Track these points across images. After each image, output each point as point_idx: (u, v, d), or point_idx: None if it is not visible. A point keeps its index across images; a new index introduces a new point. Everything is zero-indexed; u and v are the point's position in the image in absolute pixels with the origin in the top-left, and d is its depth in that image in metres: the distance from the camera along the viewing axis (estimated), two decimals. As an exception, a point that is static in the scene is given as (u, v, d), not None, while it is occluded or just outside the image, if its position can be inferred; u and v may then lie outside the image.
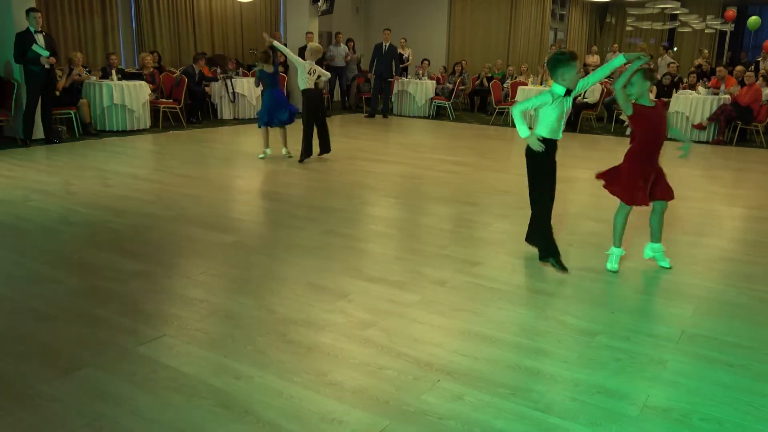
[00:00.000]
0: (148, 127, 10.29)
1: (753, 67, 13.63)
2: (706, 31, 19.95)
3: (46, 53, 8.11)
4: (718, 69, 12.29)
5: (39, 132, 8.68)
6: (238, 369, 2.77)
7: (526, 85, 12.76)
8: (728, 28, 18.74)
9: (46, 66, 8.19)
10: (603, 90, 12.19)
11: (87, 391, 2.56)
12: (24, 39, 8.04)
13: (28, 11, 8.08)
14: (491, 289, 3.80)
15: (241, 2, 14.13)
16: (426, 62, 14.39)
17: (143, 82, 10.21)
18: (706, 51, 17.08)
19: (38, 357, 2.83)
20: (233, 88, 11.77)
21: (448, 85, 13.84)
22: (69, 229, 4.84)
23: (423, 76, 13.90)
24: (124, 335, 3.06)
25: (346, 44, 14.38)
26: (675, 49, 18.84)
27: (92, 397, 2.52)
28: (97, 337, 3.03)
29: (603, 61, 16.70)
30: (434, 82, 14.00)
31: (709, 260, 4.59)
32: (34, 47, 8.04)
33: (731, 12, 17.66)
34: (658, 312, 3.56)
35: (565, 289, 3.83)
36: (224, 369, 2.77)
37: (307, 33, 12.71)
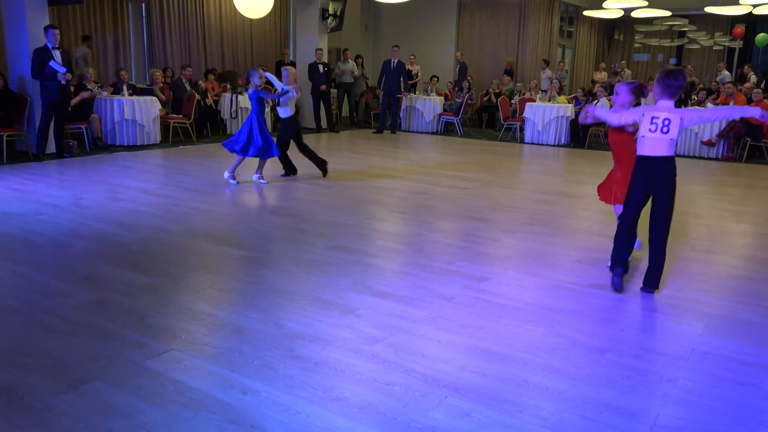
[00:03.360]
0: (158, 142, 10.38)
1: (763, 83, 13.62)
2: (715, 48, 19.96)
3: (63, 69, 8.22)
4: (726, 85, 12.28)
5: (51, 146, 8.78)
6: (245, 384, 2.77)
7: (534, 101, 12.79)
8: (736, 45, 18.75)
9: (63, 82, 8.30)
10: (612, 107, 12.18)
11: (95, 405, 2.57)
12: (42, 55, 8.16)
13: (47, 28, 8.22)
14: (499, 305, 3.79)
15: (251, 19, 14.27)
16: (435, 78, 14.47)
17: (154, 98, 10.32)
18: (721, 64, 17.05)
19: (47, 370, 2.85)
20: (236, 105, 11.86)
21: (456, 100, 13.89)
22: (79, 242, 4.87)
23: (431, 92, 13.97)
24: (133, 349, 3.07)
25: (355, 61, 14.49)
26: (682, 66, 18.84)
27: (100, 411, 2.52)
28: (106, 351, 3.04)
29: (609, 77, 16.73)
30: (442, 98, 14.07)
31: (718, 277, 4.56)
32: (52, 63, 8.16)
33: (739, 29, 17.68)
34: (667, 329, 3.54)
35: (574, 306, 3.82)
36: (231, 384, 2.77)
37: (316, 50, 12.82)
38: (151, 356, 3.00)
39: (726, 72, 15.78)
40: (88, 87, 9.77)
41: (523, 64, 17.09)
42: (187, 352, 3.06)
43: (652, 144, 3.89)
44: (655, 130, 3.86)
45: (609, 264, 4.35)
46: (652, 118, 3.87)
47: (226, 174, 7.33)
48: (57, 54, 8.26)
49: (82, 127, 9.50)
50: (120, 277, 4.11)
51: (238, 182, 7.25)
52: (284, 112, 7.45)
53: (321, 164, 7.85)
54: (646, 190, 3.99)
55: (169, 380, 2.78)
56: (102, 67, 12.17)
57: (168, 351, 3.06)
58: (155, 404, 2.59)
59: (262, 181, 7.35)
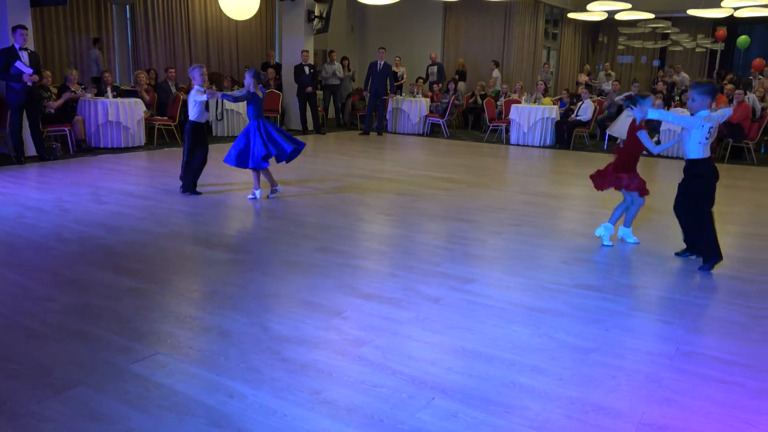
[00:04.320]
0: (143, 144, 10.31)
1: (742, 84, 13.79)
2: (697, 50, 20.19)
3: (29, 70, 8.08)
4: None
5: (32, 149, 8.67)
6: (232, 387, 2.75)
7: (519, 102, 12.86)
8: (718, 47, 18.98)
9: (29, 84, 8.14)
10: (595, 108, 12.30)
11: (79, 410, 2.54)
12: (7, 55, 8.00)
13: (15, 28, 8.04)
14: (486, 306, 3.80)
15: (237, 20, 14.22)
16: (420, 80, 14.50)
17: (138, 100, 10.24)
18: (679, 65, 17.24)
19: (30, 375, 2.81)
20: (222, 107, 11.80)
21: (442, 102, 13.94)
22: (62, 246, 4.82)
23: (417, 93, 14.00)
24: (117, 353, 3.04)
25: (341, 62, 14.49)
26: (666, 68, 19.04)
27: (85, 417, 2.50)
28: (90, 356, 3.01)
29: (596, 79, 16.86)
30: (428, 99, 14.10)
31: (702, 277, 4.60)
32: (18, 64, 8.00)
33: (721, 31, 17.89)
34: (652, 329, 3.57)
35: (560, 306, 3.83)
36: (217, 387, 2.75)
37: (302, 51, 12.81)
38: (136, 360, 2.97)
39: (684, 74, 15.94)
40: (72, 89, 9.68)
41: (509, 66, 17.18)
42: (172, 355, 3.04)
43: (706, 149, 4.60)
44: (709, 137, 4.54)
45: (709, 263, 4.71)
46: (710, 127, 4.50)
47: (258, 193, 6.64)
48: (24, 55, 8.09)
49: (66, 129, 9.41)
50: (104, 280, 4.07)
51: (277, 191, 6.72)
52: (192, 114, 6.59)
53: (187, 179, 6.80)
54: None
55: (155, 384, 2.76)
56: (86, 69, 12.06)
57: (153, 355, 3.04)
58: (140, 409, 2.56)
59: (270, 195, 6.71)
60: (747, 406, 2.73)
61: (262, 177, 6.65)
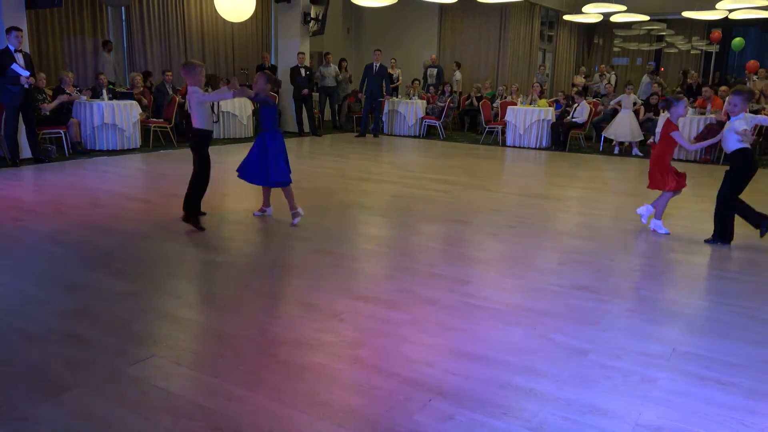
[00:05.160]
0: (138, 146, 10.29)
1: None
2: (692, 52, 20.29)
3: (26, 73, 8.06)
4: (704, 89, 12.46)
5: (28, 151, 8.65)
6: (229, 390, 2.75)
7: (515, 104, 12.88)
8: (713, 49, 19.06)
9: (26, 86, 8.12)
10: (591, 110, 12.32)
11: (75, 413, 2.53)
12: (3, 58, 7.97)
13: (10, 30, 8.01)
14: (482, 307, 3.80)
15: (232, 23, 14.23)
16: (417, 82, 14.51)
17: (134, 102, 10.22)
18: (695, 72, 17.34)
19: (25, 379, 2.80)
20: (218, 109, 11.79)
21: (438, 104, 13.95)
22: (58, 249, 4.81)
23: (413, 95, 14.01)
24: (113, 356, 3.03)
25: (339, 64, 14.49)
26: (663, 69, 19.12)
27: (80, 420, 2.49)
28: (86, 358, 3.00)
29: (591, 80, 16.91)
30: (424, 102, 14.11)
31: (698, 278, 4.62)
32: (14, 66, 7.97)
33: (716, 33, 17.96)
34: (649, 330, 3.58)
35: (556, 308, 3.84)
36: (214, 390, 2.75)
37: (298, 53, 12.80)
38: (132, 363, 2.96)
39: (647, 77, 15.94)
40: (67, 91, 9.66)
41: (504, 68, 17.21)
42: (168, 358, 3.03)
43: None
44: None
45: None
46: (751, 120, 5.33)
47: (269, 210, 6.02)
48: (19, 57, 8.08)
49: (61, 131, 9.39)
50: (100, 283, 4.06)
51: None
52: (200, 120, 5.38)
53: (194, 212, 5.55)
54: None
55: (151, 387, 2.75)
56: (81, 71, 12.04)
57: (149, 358, 3.03)
58: (136, 412, 2.56)
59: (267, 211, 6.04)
60: (743, 406, 2.74)
61: (265, 192, 5.96)
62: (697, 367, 3.09)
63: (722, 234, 5.38)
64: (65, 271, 4.30)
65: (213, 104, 11.02)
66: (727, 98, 5.51)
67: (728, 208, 5.34)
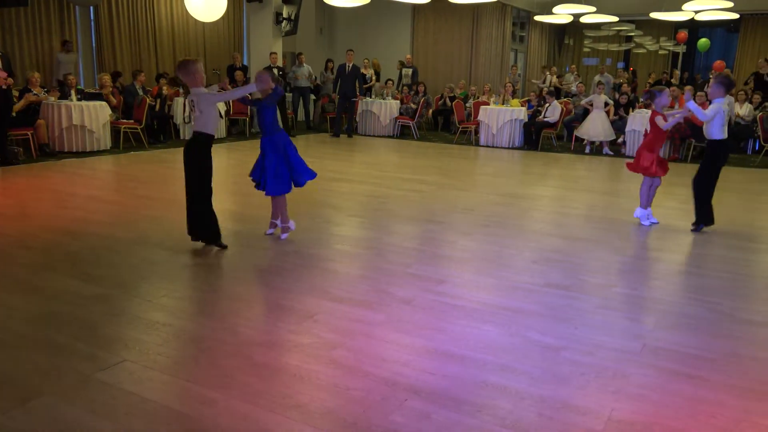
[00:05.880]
0: (108, 148, 10.12)
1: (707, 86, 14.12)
2: (660, 52, 20.66)
3: (2, 73, 7.90)
4: (671, 89, 12.68)
5: (-5, 154, 8.46)
6: (202, 393, 2.71)
7: (488, 104, 12.97)
8: (680, 49, 19.43)
9: (3, 87, 7.97)
10: (563, 109, 12.47)
11: (45, 421, 2.48)
12: None
13: None
14: (457, 306, 3.82)
15: (203, 22, 14.08)
16: (390, 82, 14.52)
17: (104, 103, 10.05)
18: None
19: (-8, 386, 2.73)
20: (190, 109, 11.65)
21: (411, 105, 13.98)
22: (25, 253, 4.70)
23: (387, 96, 14.02)
24: (83, 361, 2.98)
25: (326, 65, 14.42)
26: (632, 69, 19.42)
27: (51, 428, 2.43)
28: (55, 364, 2.94)
29: (562, 80, 17.10)
30: (398, 102, 14.13)
31: (667, 274, 4.70)
32: None
33: (683, 34, 18.31)
34: (620, 326, 3.63)
35: (530, 306, 3.87)
36: (188, 393, 2.71)
37: (270, 54, 12.72)
38: (103, 368, 2.91)
39: (609, 75, 16.15)
40: (34, 92, 9.46)
41: (477, 68, 17.32)
42: (140, 362, 2.98)
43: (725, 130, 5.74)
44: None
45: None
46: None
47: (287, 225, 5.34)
48: None
49: (28, 133, 9.19)
50: (69, 287, 3.98)
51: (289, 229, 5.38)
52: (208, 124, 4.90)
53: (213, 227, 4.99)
54: None
55: (123, 392, 2.70)
56: (48, 72, 11.79)
57: (120, 362, 2.98)
58: (108, 418, 2.51)
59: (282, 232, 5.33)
60: (713, 399, 2.79)
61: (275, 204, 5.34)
62: (668, 362, 3.14)
63: (704, 218, 5.86)
64: (33, 275, 4.21)
65: (186, 105, 10.83)
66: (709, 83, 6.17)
67: (706, 194, 5.80)
